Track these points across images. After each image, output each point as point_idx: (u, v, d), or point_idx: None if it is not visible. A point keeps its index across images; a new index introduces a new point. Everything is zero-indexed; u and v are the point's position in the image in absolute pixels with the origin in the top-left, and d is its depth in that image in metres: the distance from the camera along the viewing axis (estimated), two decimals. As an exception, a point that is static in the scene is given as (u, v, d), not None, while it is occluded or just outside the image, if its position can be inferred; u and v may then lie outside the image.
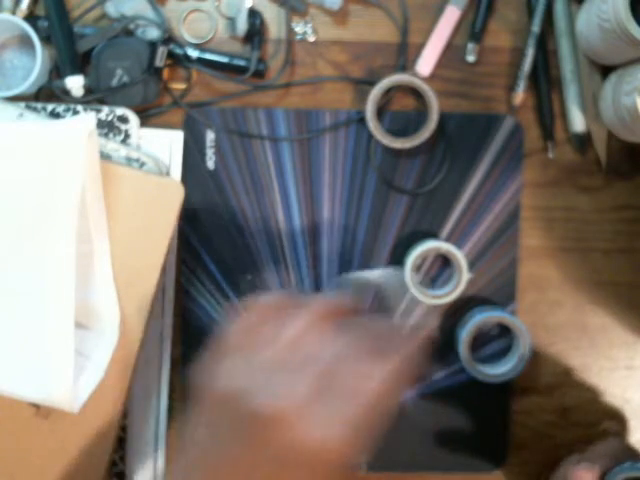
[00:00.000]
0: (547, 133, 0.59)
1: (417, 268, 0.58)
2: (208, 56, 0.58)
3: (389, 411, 0.38)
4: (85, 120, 0.52)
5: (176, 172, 0.58)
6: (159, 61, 0.57)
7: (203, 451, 0.37)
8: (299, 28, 0.59)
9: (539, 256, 0.60)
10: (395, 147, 0.57)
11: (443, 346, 0.59)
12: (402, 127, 0.59)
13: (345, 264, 0.59)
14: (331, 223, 0.59)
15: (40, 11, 0.58)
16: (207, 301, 0.59)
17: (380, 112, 0.58)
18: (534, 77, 0.59)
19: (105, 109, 0.57)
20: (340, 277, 0.58)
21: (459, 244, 0.59)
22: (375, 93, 0.56)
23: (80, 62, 0.57)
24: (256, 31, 0.58)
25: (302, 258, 0.59)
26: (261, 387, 0.36)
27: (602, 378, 0.60)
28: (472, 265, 0.59)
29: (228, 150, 0.59)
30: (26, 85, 0.55)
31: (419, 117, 0.58)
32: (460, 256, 0.55)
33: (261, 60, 0.58)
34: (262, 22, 0.58)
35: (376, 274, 0.58)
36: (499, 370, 0.56)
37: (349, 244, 0.59)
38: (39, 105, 0.56)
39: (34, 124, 0.54)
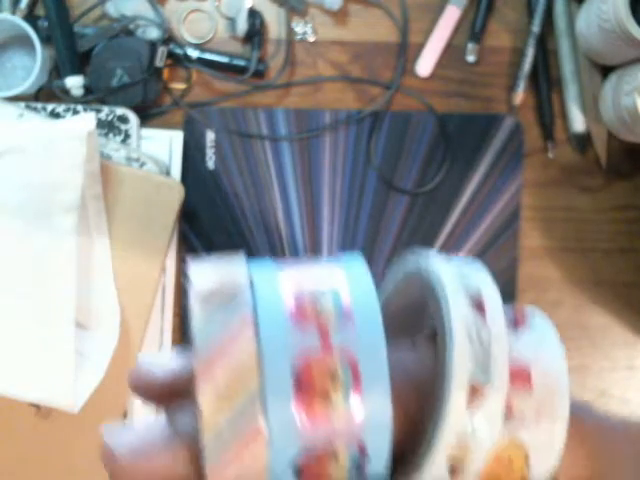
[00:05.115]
0: (547, 133, 0.59)
1: None
2: (208, 56, 0.58)
3: None
4: (85, 120, 0.52)
5: (176, 172, 0.58)
6: (159, 61, 0.57)
7: None
8: (299, 28, 0.59)
9: (539, 256, 0.60)
10: None
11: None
12: (402, 127, 0.59)
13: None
14: (331, 223, 0.59)
15: (40, 11, 0.58)
16: (207, 301, 0.59)
17: (379, 113, 0.58)
18: (534, 77, 0.59)
19: (105, 109, 0.57)
20: None
21: (459, 244, 0.59)
22: None
23: (80, 62, 0.57)
24: (256, 31, 0.58)
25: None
26: None
27: (602, 378, 0.60)
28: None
29: (228, 150, 0.59)
30: (26, 85, 0.55)
31: (419, 117, 0.58)
32: None
33: (261, 60, 0.58)
34: (262, 22, 0.58)
35: None
36: None
37: (349, 244, 0.59)
38: (39, 105, 0.56)
39: (34, 124, 0.54)
